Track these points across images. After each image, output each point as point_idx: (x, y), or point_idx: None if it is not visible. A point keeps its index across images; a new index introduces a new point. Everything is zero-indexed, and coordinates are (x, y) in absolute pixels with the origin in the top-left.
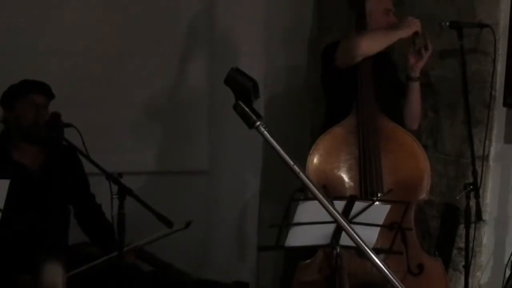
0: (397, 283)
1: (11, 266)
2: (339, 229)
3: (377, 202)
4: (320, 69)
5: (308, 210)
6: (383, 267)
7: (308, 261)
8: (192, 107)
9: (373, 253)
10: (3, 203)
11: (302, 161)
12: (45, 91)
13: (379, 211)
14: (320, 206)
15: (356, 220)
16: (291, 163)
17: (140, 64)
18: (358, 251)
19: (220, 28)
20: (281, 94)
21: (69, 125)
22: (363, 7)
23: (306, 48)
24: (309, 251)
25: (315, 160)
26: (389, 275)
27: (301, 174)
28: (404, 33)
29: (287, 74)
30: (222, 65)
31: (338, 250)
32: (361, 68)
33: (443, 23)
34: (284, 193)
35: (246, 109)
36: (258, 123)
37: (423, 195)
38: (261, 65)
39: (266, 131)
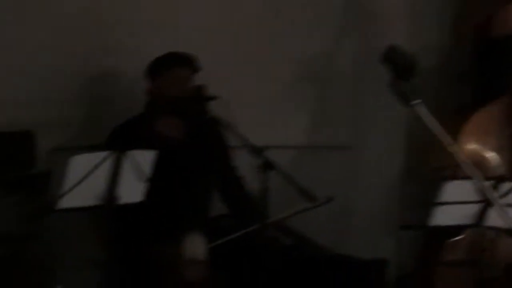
0: None
1: (154, 237)
2: (484, 209)
3: None
4: (470, 46)
5: (453, 189)
6: None
7: (455, 239)
8: (336, 83)
9: None
10: (150, 173)
11: None
12: (190, 63)
13: None
14: (465, 185)
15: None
16: (450, 142)
17: (286, 39)
18: (506, 232)
19: (365, 7)
20: (424, 73)
21: (214, 98)
22: None
23: (449, 27)
24: (452, 230)
25: (467, 138)
26: None
27: (458, 155)
28: None
29: (429, 54)
30: (366, 42)
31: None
32: None
33: None
34: (427, 172)
35: (405, 87)
36: (417, 101)
37: None
38: (404, 44)
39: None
